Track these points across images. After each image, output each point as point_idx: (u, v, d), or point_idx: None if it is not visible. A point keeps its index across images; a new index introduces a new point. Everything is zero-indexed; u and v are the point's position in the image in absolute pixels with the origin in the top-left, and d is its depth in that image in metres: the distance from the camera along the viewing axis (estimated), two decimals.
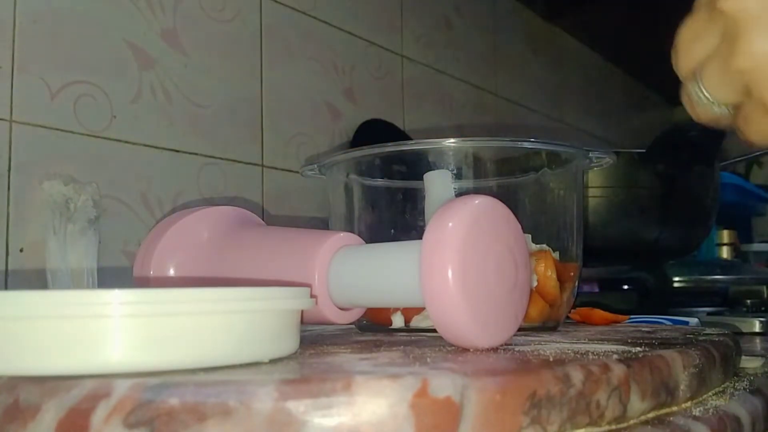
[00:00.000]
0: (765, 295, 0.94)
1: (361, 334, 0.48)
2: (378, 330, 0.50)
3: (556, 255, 0.52)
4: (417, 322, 0.48)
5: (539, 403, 0.26)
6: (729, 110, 0.33)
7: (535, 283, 0.49)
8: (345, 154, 0.54)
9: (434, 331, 0.47)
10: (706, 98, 0.33)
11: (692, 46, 0.33)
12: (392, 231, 0.54)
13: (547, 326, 0.51)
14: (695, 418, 0.31)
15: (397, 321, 0.49)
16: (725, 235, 1.23)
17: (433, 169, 0.50)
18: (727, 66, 0.31)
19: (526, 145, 0.51)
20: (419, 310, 0.48)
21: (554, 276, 0.50)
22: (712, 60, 0.32)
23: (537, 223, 0.52)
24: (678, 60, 0.34)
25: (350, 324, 0.45)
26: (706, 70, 0.32)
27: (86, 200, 0.63)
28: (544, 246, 0.51)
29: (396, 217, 0.55)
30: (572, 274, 0.53)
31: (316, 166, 0.56)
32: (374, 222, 0.55)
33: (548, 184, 0.53)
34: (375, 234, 0.53)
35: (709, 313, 0.81)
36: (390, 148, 0.52)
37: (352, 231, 0.45)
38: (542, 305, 0.50)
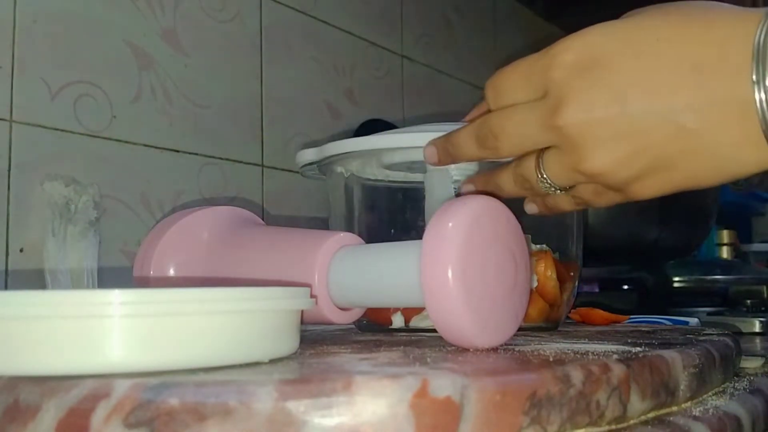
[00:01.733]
0: (765, 295, 0.94)
1: (361, 334, 0.48)
2: (378, 330, 0.50)
3: (556, 255, 0.52)
4: (416, 321, 0.48)
5: (539, 403, 0.26)
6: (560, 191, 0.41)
7: (534, 284, 0.49)
8: (345, 154, 0.53)
9: (434, 331, 0.47)
10: (548, 183, 0.40)
11: (521, 140, 0.39)
12: (392, 231, 0.54)
13: (547, 326, 0.51)
14: (695, 418, 0.31)
15: (397, 321, 0.49)
16: (725, 235, 1.23)
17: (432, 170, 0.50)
18: (573, 167, 0.37)
19: None
20: (419, 310, 0.48)
21: (554, 276, 0.50)
22: (554, 157, 0.39)
23: (537, 223, 0.52)
24: (502, 148, 0.40)
25: (350, 324, 0.45)
26: (549, 164, 0.39)
27: (87, 201, 0.63)
28: (544, 246, 0.51)
29: (396, 217, 0.55)
30: (572, 274, 0.53)
31: (316, 166, 0.56)
32: (374, 222, 0.55)
33: None
34: (375, 234, 0.53)
35: (709, 313, 0.81)
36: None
37: (352, 231, 0.45)
38: (542, 305, 0.50)
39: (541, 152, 0.40)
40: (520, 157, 0.41)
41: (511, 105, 0.40)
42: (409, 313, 0.48)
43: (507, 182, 0.43)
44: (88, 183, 0.65)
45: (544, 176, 0.40)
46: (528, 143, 0.39)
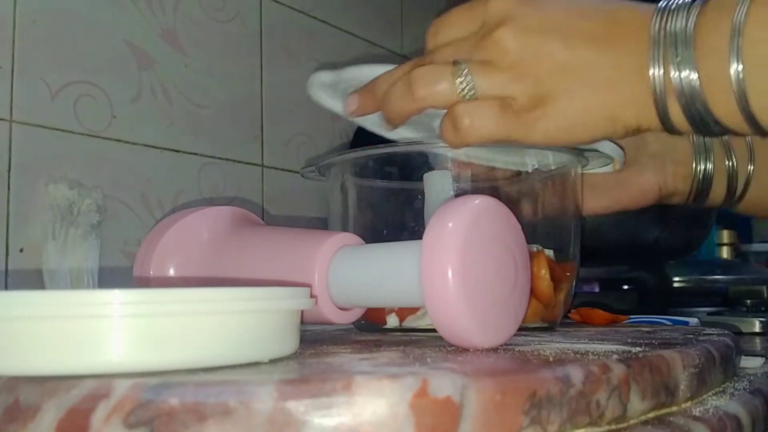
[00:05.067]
0: (765, 295, 0.94)
1: (360, 334, 0.48)
2: (373, 329, 0.50)
3: (551, 254, 0.51)
4: (410, 321, 0.48)
5: (539, 403, 0.26)
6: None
7: None
8: (343, 156, 0.53)
9: (428, 330, 0.47)
10: (467, 84, 0.41)
11: (455, 57, 0.42)
12: (391, 232, 0.54)
13: (543, 327, 0.51)
14: (695, 418, 0.31)
15: (392, 321, 0.49)
16: (725, 235, 1.23)
17: (432, 170, 0.50)
18: (501, 73, 0.41)
19: (521, 146, 0.51)
20: (413, 310, 0.48)
21: (547, 276, 0.49)
22: (480, 64, 0.41)
23: (533, 222, 0.52)
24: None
25: (350, 324, 0.45)
26: (475, 66, 0.41)
27: (90, 205, 0.63)
28: (538, 246, 0.51)
29: (395, 217, 0.55)
30: (569, 274, 0.53)
31: (315, 167, 0.56)
32: (373, 223, 0.55)
33: (543, 184, 0.53)
34: (374, 235, 0.53)
35: (709, 313, 0.81)
36: (388, 149, 0.52)
37: (351, 231, 0.45)
38: (535, 305, 0.49)
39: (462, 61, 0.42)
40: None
41: (449, 42, 0.43)
42: (403, 313, 0.48)
43: (400, 89, 0.43)
44: (92, 186, 0.65)
45: (466, 75, 0.41)
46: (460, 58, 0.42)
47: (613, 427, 0.29)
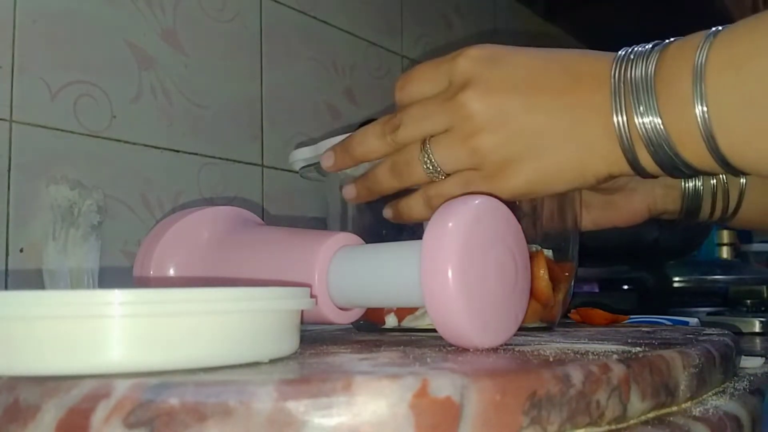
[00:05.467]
0: (765, 295, 0.94)
1: (360, 334, 0.48)
2: (373, 329, 0.50)
3: (550, 254, 0.51)
4: (408, 321, 0.48)
5: (539, 403, 0.26)
6: (441, 176, 0.43)
7: None
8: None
9: (426, 330, 0.47)
10: (430, 164, 0.43)
11: (422, 124, 0.43)
12: (391, 232, 0.54)
13: (542, 327, 0.51)
14: (695, 418, 0.31)
15: (390, 321, 0.49)
16: (725, 235, 1.23)
17: None
18: (463, 142, 0.41)
19: None
20: (412, 310, 0.48)
21: (546, 276, 0.49)
22: (444, 138, 0.42)
23: (531, 222, 0.52)
24: (403, 134, 0.44)
25: (349, 324, 0.46)
26: (437, 144, 0.42)
27: (90, 205, 0.63)
28: (537, 246, 0.51)
29: None
30: (567, 274, 0.53)
31: (315, 167, 0.56)
32: (373, 223, 0.55)
33: None
34: (374, 235, 0.53)
35: (709, 313, 0.81)
36: None
37: (350, 231, 0.45)
38: (534, 305, 0.49)
39: (427, 138, 0.43)
40: (399, 149, 0.45)
41: (417, 100, 0.44)
42: (402, 312, 0.48)
43: (382, 173, 0.46)
44: (93, 187, 0.65)
45: (429, 156, 0.43)
46: (427, 126, 0.43)
47: (613, 427, 0.29)
